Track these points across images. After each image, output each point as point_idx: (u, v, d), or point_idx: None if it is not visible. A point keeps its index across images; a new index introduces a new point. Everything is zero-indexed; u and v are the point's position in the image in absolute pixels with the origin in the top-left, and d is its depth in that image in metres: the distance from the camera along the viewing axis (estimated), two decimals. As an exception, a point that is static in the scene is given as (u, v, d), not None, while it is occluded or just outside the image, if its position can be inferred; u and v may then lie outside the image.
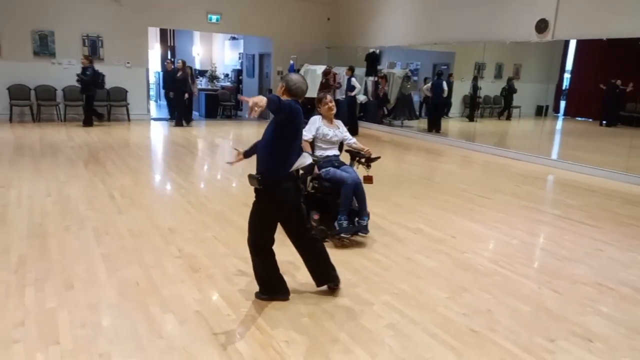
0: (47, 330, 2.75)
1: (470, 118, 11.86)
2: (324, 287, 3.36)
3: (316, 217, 4.29)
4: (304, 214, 3.33)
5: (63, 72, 11.39)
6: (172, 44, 18.66)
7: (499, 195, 6.43)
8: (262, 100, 2.50)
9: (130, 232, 4.39)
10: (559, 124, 11.55)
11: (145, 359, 2.54)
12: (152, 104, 14.76)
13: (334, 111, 4.51)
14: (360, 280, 3.61)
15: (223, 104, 14.62)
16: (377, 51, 13.27)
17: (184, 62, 12.22)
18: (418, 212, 5.41)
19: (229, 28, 13.79)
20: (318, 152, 4.46)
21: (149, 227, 4.56)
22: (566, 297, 3.49)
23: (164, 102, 17.88)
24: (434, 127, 12.02)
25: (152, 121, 12.85)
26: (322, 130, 4.43)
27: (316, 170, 4.27)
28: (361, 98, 12.28)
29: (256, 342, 2.73)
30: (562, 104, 11.25)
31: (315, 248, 3.29)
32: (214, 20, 13.03)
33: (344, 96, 12.30)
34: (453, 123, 12.65)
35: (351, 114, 11.98)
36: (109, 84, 11.83)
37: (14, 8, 10.76)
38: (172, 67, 12.56)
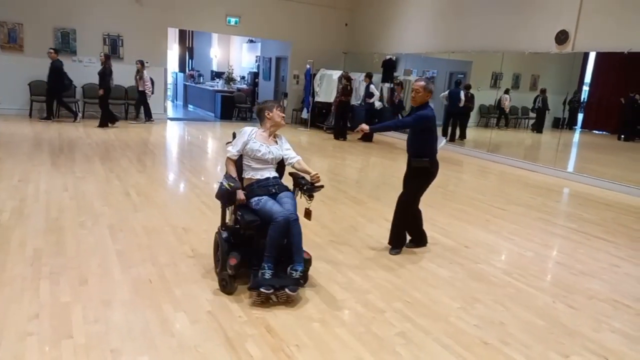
0: (60, 324, 2.78)
1: (539, 130, 11.61)
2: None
3: (233, 261, 3.22)
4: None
5: (83, 70, 11.55)
6: (190, 45, 18.86)
7: (514, 207, 6.37)
8: None
9: (144, 230, 4.43)
10: (576, 136, 11.42)
11: (157, 357, 2.55)
12: (169, 104, 14.89)
13: (283, 125, 3.73)
14: (373, 287, 3.60)
15: (239, 106, 14.71)
16: (394, 58, 13.25)
17: (106, 55, 10.72)
18: (432, 220, 5.37)
19: (248, 31, 13.88)
20: (247, 174, 3.57)
21: (164, 226, 4.59)
22: (581, 313, 3.44)
23: (180, 103, 18.21)
24: (445, 136, 11.89)
25: (168, 121, 12.96)
26: (251, 145, 3.53)
27: (240, 196, 3.36)
28: (376, 104, 12.27)
29: (267, 345, 2.73)
30: (580, 116, 11.12)
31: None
32: (232, 23, 13.13)
33: (359, 102, 12.30)
34: (469, 132, 12.56)
35: (368, 121, 11.97)
36: (127, 82, 11.97)
37: (37, 5, 10.96)
38: (57, 57, 10.65)
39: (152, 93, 11.91)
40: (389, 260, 4.15)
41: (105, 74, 10.60)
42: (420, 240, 4.51)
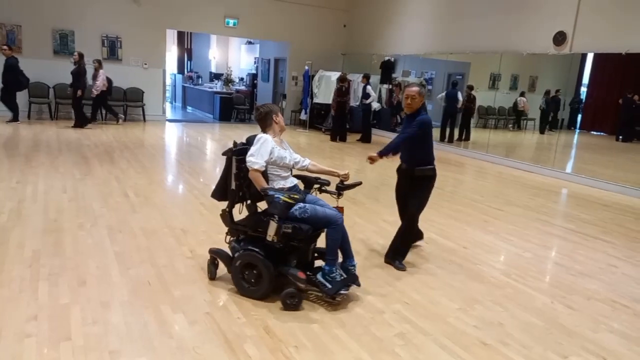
0: (59, 325, 2.78)
1: (542, 131, 11.60)
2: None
3: (303, 275, 3.14)
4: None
5: (81, 71, 11.53)
6: (188, 47, 18.85)
7: (512, 207, 6.38)
8: None
9: (143, 231, 4.42)
10: (574, 137, 11.45)
11: (156, 358, 2.55)
12: (168, 105, 14.87)
13: (285, 129, 3.65)
14: (372, 288, 3.60)
15: (237, 108, 14.72)
16: (392, 59, 13.27)
17: (80, 54, 10.34)
18: (430, 221, 5.37)
19: (246, 32, 13.89)
20: (277, 183, 3.36)
21: (162, 227, 4.58)
22: (580, 313, 3.45)
23: (179, 104, 18.20)
24: (444, 137, 11.90)
25: (167, 122, 12.95)
26: (278, 153, 3.33)
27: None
28: (375, 105, 12.28)
29: (266, 346, 2.73)
30: (578, 117, 11.15)
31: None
32: (231, 24, 13.14)
33: (357, 103, 12.32)
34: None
35: (365, 122, 12.03)
36: (126, 84, 11.97)
37: (36, 7, 10.96)
38: (11, 54, 10.16)
39: (99, 92, 10.81)
40: (388, 261, 4.15)
41: (80, 73, 10.22)
42: (416, 235, 4.46)
